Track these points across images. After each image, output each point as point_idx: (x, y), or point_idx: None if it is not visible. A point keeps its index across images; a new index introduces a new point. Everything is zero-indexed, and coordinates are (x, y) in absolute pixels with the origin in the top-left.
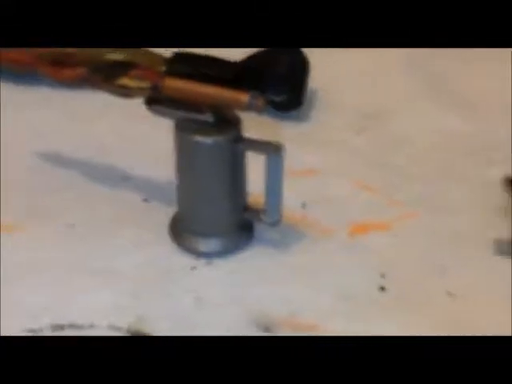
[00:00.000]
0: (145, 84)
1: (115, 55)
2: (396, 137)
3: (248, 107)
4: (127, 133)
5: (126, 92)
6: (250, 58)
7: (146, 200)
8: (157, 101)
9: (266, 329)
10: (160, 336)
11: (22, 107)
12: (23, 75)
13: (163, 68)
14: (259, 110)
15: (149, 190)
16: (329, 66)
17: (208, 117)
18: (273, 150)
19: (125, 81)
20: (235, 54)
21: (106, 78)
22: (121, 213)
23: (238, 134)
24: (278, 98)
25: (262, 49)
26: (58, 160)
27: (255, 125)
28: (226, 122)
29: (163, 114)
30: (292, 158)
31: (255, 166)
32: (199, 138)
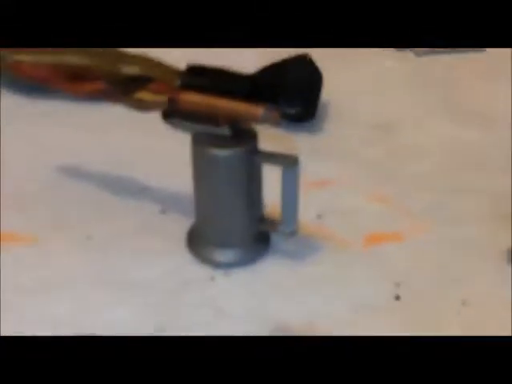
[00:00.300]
0: (162, 98)
1: (130, 69)
2: (407, 148)
3: (263, 120)
4: (144, 145)
5: (143, 106)
6: (263, 71)
7: (163, 211)
8: (173, 114)
9: None
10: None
11: (38, 120)
12: (38, 88)
13: (177, 81)
14: (274, 123)
15: (166, 201)
16: (341, 79)
17: (224, 130)
18: (289, 163)
19: (142, 95)
20: (248, 67)
21: (123, 92)
22: (138, 224)
23: (254, 147)
24: (291, 110)
25: (275, 61)
26: (75, 173)
27: (269, 137)
28: (242, 134)
29: (180, 127)
30: (306, 170)
31: (271, 177)
32: (216, 151)
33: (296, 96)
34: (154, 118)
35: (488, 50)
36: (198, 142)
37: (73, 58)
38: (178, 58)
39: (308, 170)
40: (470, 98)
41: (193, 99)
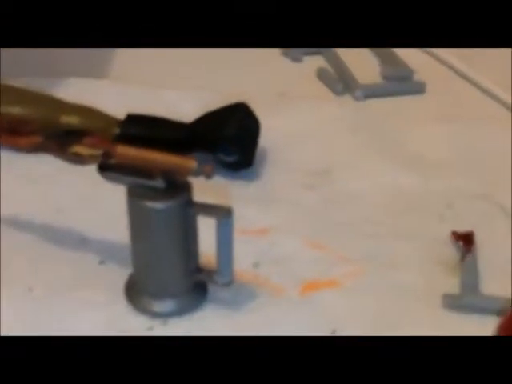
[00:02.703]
0: (97, 152)
1: (70, 118)
2: (345, 194)
3: (196, 173)
4: (83, 195)
5: (78, 160)
6: (201, 119)
7: (102, 262)
8: (109, 167)
9: None
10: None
11: None
12: None
13: (117, 130)
14: (207, 176)
15: (105, 251)
16: (278, 126)
17: (159, 182)
18: (222, 214)
19: (78, 149)
20: (188, 115)
21: (59, 146)
22: (77, 275)
23: (188, 199)
24: (229, 159)
25: (213, 109)
26: (12, 223)
27: (205, 185)
28: (176, 187)
29: (115, 180)
30: (243, 218)
31: (207, 227)
32: (150, 204)
33: (233, 144)
34: (93, 168)
35: (426, 93)
36: (133, 194)
37: (12, 108)
38: (118, 104)
39: (245, 218)
40: (409, 143)
41: (127, 153)
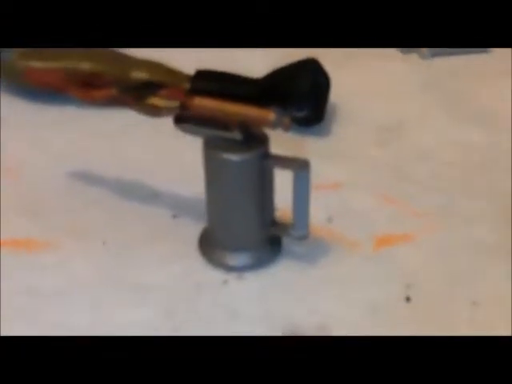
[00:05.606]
0: (173, 103)
1: (140, 74)
2: (416, 149)
3: (275, 125)
4: (155, 149)
5: (155, 111)
6: (271, 75)
7: (175, 216)
8: (185, 119)
9: None
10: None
11: (50, 127)
12: (49, 95)
13: (187, 85)
14: (285, 128)
15: (178, 206)
16: (348, 82)
17: (236, 134)
18: (299, 166)
19: (154, 100)
20: (256, 70)
21: (135, 98)
22: (151, 229)
23: (265, 151)
24: (300, 114)
25: (283, 65)
26: (88, 179)
27: (278, 140)
28: (253, 139)
29: (192, 132)
30: (316, 173)
31: (282, 182)
32: (227, 156)
33: (304, 100)
34: (165, 123)
35: (492, 50)
36: (210, 146)
37: (85, 63)
38: (188, 61)
39: (318, 173)
40: (477, 99)
41: (204, 104)
